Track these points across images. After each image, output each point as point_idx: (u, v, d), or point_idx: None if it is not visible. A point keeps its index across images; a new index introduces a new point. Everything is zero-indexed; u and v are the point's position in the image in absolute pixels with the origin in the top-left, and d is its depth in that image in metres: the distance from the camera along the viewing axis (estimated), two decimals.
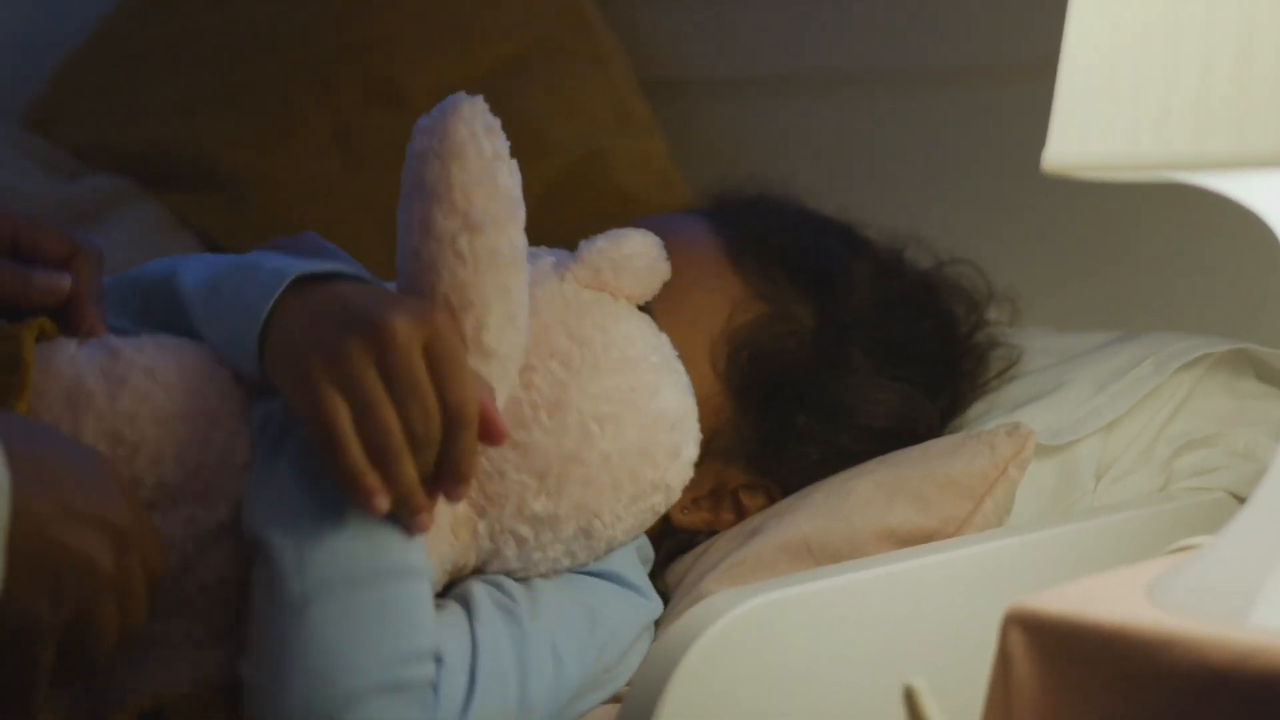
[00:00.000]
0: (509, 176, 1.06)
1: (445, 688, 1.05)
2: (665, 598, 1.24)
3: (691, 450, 1.18)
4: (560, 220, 1.70)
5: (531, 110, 1.73)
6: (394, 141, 1.73)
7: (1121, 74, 0.91)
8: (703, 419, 1.20)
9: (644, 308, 1.20)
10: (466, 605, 1.11)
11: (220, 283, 1.11)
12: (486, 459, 1.11)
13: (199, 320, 1.12)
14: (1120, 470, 1.32)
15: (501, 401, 1.09)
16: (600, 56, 1.79)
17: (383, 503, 1.03)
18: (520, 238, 1.07)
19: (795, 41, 1.81)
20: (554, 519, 1.13)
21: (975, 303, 1.41)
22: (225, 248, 1.72)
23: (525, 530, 1.13)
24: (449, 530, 1.11)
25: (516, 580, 1.15)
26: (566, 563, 1.15)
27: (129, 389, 1.07)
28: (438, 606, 1.09)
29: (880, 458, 1.28)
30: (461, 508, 1.11)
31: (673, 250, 1.20)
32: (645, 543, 1.25)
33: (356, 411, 1.02)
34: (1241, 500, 1.30)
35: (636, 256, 1.17)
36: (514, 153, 1.72)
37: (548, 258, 1.18)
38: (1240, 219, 1.04)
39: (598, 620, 1.15)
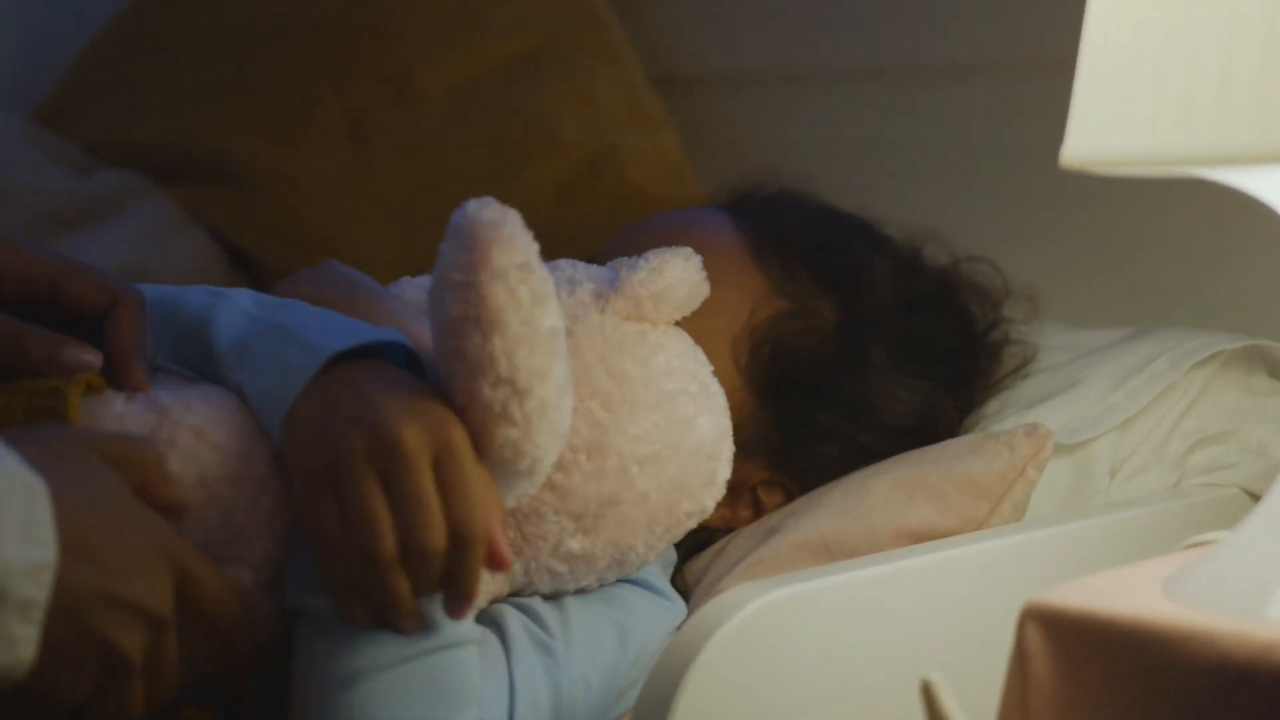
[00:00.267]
0: (551, 312, 1.00)
1: None
2: (683, 594, 1.24)
3: (726, 470, 1.17)
4: (572, 216, 1.71)
5: (544, 106, 1.73)
6: (406, 136, 1.76)
7: (1142, 68, 0.91)
8: None
9: None
10: (501, 638, 1.10)
11: (251, 347, 1.07)
12: (525, 501, 1.09)
13: (230, 381, 1.08)
14: (1134, 467, 1.32)
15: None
16: (613, 52, 1.79)
17: (361, 618, 1.01)
18: (565, 370, 1.03)
19: (809, 37, 1.81)
20: (589, 556, 1.13)
21: (993, 301, 1.41)
22: (237, 243, 1.72)
23: (561, 567, 1.12)
24: (487, 576, 1.09)
25: (546, 600, 1.14)
26: (597, 586, 1.16)
27: (178, 450, 1.03)
28: None
29: (898, 456, 1.28)
30: None
31: (695, 245, 1.19)
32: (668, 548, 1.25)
33: (349, 518, 0.99)
34: (1254, 496, 1.30)
35: (678, 286, 1.13)
36: (526, 148, 1.74)
37: (585, 284, 1.14)
38: (1255, 215, 1.04)
39: (628, 637, 1.15)
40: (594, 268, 1.17)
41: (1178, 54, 0.89)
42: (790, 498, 1.31)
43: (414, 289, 1.19)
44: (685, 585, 1.27)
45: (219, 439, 1.04)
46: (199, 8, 1.84)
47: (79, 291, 1.07)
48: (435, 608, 1.03)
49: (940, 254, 1.42)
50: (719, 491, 1.17)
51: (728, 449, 1.17)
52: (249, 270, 1.72)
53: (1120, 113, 0.92)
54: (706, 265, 1.15)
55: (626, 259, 1.15)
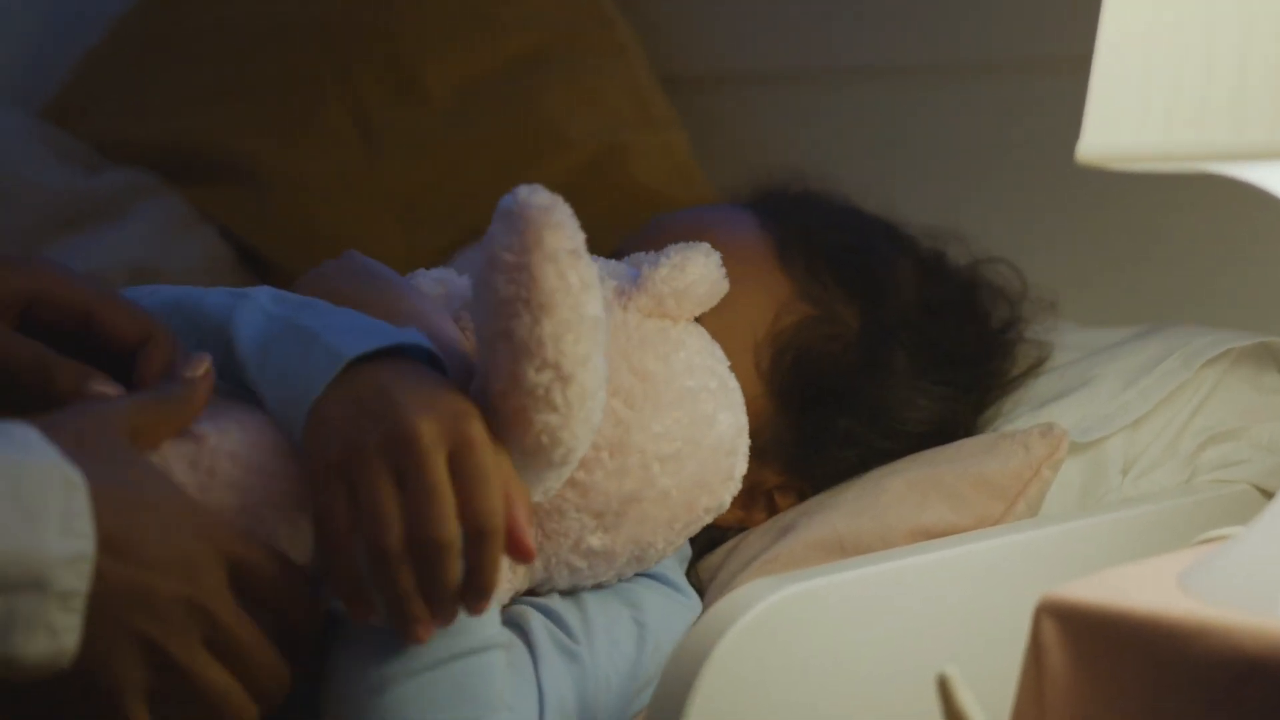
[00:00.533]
0: (597, 300, 1.00)
1: None
2: (697, 590, 1.24)
3: (743, 465, 1.17)
4: (579, 215, 1.70)
5: (551, 104, 1.74)
6: (413, 134, 1.76)
7: (1158, 63, 0.91)
8: None
9: None
10: (527, 643, 1.10)
11: (271, 349, 1.05)
12: (547, 498, 1.09)
13: (253, 383, 1.07)
14: (1146, 464, 1.32)
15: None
16: (620, 50, 1.79)
17: (366, 615, 1.00)
18: (603, 361, 1.02)
19: (817, 36, 1.81)
20: (609, 553, 1.13)
21: (1013, 304, 1.41)
22: (244, 241, 1.72)
23: (580, 563, 1.12)
24: (508, 569, 1.10)
25: (563, 595, 1.14)
26: (615, 581, 1.16)
27: (219, 479, 1.02)
28: None
29: (913, 455, 1.28)
30: None
31: (719, 243, 1.17)
32: (684, 543, 1.26)
33: (359, 514, 0.98)
34: (1265, 492, 1.30)
35: (700, 282, 1.13)
36: (533, 147, 1.74)
37: (608, 281, 1.14)
38: (1265, 212, 1.04)
39: (646, 635, 1.15)
40: (615, 264, 1.17)
41: (1193, 50, 0.89)
42: (803, 498, 1.31)
43: (429, 282, 1.19)
44: (699, 581, 1.27)
45: (257, 460, 1.03)
46: (206, 6, 1.84)
47: (114, 324, 1.05)
48: (461, 613, 1.02)
49: (961, 255, 1.42)
50: (736, 487, 1.17)
51: (745, 444, 1.17)
52: (257, 268, 1.73)
53: (1136, 108, 0.92)
54: (730, 264, 1.14)
55: (648, 255, 1.15)
